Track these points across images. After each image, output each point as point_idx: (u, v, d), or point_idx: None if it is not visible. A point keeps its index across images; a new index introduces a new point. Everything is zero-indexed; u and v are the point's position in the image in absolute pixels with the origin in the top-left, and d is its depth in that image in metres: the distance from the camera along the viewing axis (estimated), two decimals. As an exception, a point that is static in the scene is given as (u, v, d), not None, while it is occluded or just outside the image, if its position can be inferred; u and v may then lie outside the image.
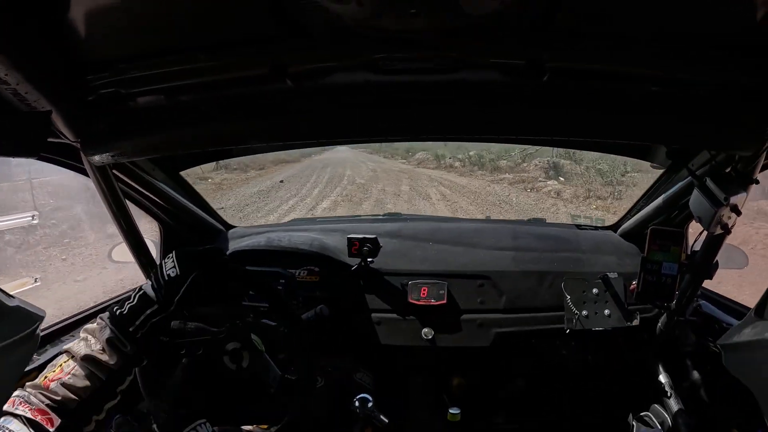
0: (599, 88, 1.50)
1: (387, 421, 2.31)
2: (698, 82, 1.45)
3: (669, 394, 2.51)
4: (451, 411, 2.56)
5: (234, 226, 3.40)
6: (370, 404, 2.31)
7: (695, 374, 2.50)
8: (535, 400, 2.91)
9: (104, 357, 1.66)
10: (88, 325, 1.75)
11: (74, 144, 1.79)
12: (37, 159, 1.82)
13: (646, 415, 2.62)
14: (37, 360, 2.10)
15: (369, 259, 2.74)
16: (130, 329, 1.70)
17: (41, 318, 1.50)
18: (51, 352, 2.18)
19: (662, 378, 2.58)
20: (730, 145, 1.67)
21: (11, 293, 1.55)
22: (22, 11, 1.28)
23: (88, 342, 1.69)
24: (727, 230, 1.93)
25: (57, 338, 2.30)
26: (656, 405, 2.56)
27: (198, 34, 1.45)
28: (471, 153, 31.45)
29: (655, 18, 1.29)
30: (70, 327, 2.41)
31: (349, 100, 1.62)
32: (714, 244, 2.13)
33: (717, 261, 2.19)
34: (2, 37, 1.27)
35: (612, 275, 2.59)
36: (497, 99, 1.56)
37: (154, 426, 1.81)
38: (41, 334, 2.25)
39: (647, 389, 2.63)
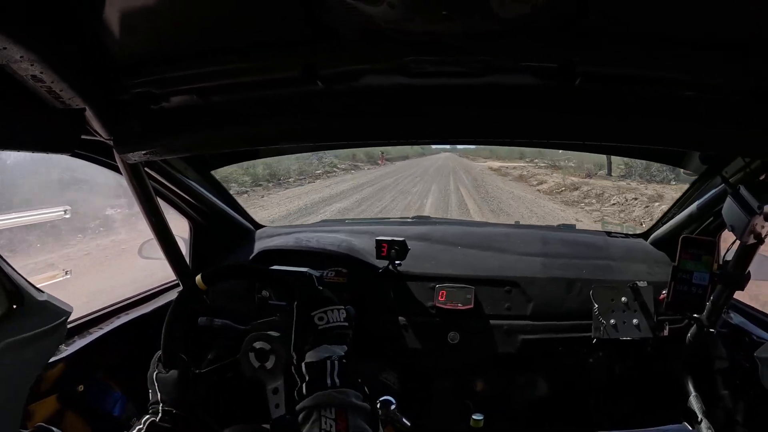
0: (631, 92, 1.47)
1: (409, 424, 2.31)
2: (732, 87, 1.42)
3: (698, 410, 2.46)
4: (474, 417, 2.55)
5: (263, 226, 3.43)
6: (392, 407, 2.30)
7: (725, 390, 2.46)
8: (560, 410, 2.88)
9: None
10: None
11: (107, 142, 1.83)
12: (71, 156, 1.86)
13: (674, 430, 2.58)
14: (65, 350, 2.14)
15: (397, 262, 2.74)
16: None
17: (68, 312, 1.54)
18: (79, 343, 2.22)
19: (691, 393, 2.53)
20: (764, 153, 1.64)
21: (39, 287, 1.59)
22: (57, 10, 1.31)
23: None
24: (760, 240, 1.90)
25: (85, 330, 2.34)
26: (685, 422, 2.51)
27: (230, 36, 1.47)
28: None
29: (690, 21, 1.27)
30: (99, 320, 2.44)
31: (379, 103, 1.62)
32: (747, 253, 2.09)
33: (749, 271, 2.15)
34: (38, 37, 1.29)
35: (642, 284, 2.55)
36: (528, 103, 1.54)
37: None
38: (75, 323, 2.31)
39: (675, 402, 2.59)
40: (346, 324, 1.86)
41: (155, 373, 1.95)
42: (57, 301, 1.54)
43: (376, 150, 41.67)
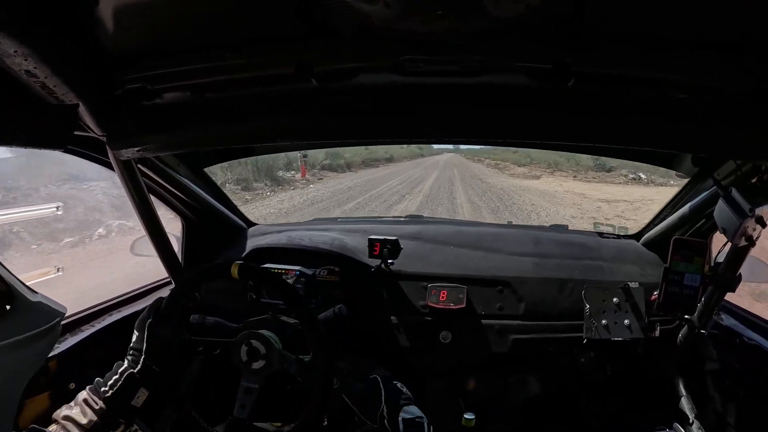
0: (625, 93, 1.48)
1: None
2: (727, 89, 1.43)
3: (689, 412, 2.47)
4: (465, 416, 2.54)
5: (256, 224, 3.43)
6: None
7: (716, 392, 2.47)
8: (552, 409, 2.89)
9: (79, 416, 1.77)
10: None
11: (100, 138, 1.83)
12: (64, 152, 1.85)
13: (664, 430, 2.59)
14: (57, 348, 2.14)
15: (389, 261, 2.74)
16: (103, 389, 1.83)
17: (62, 314, 1.54)
18: (71, 341, 2.21)
19: (682, 394, 2.54)
20: (756, 155, 1.65)
21: (32, 286, 1.59)
22: (52, 5, 1.30)
23: (70, 406, 1.81)
24: (751, 242, 1.91)
25: (77, 327, 2.33)
26: (676, 423, 2.52)
27: (224, 32, 1.47)
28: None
29: (685, 22, 1.27)
30: (91, 317, 2.44)
31: (374, 102, 1.62)
32: (738, 256, 2.10)
33: (740, 273, 2.16)
34: (32, 32, 1.29)
35: (633, 285, 2.55)
36: (522, 103, 1.55)
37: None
38: (67, 321, 2.31)
39: (666, 403, 2.60)
40: None
41: (149, 320, 1.96)
42: (50, 301, 1.54)
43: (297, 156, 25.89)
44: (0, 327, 1.54)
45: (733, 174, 2.01)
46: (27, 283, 1.71)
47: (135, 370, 1.87)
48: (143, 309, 2.50)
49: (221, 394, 2.33)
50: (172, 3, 1.35)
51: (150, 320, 1.95)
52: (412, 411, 1.89)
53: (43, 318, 1.50)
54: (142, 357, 1.89)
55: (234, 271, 1.95)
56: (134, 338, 1.96)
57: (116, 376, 1.86)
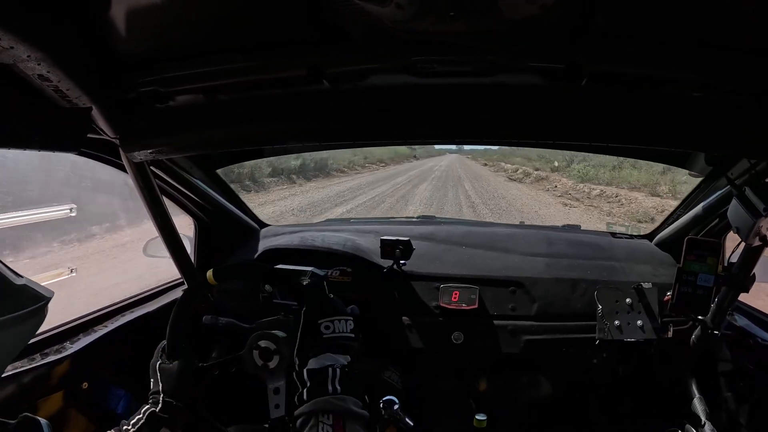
0: (638, 93, 1.47)
1: (412, 423, 2.30)
2: (739, 89, 1.42)
3: (702, 413, 2.45)
4: (477, 417, 2.54)
5: (268, 225, 3.43)
6: (396, 406, 2.30)
7: (729, 393, 2.45)
8: (564, 410, 2.87)
9: None
10: None
11: (113, 140, 1.84)
12: (77, 154, 1.87)
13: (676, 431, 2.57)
14: (71, 348, 2.15)
15: (401, 261, 2.73)
16: (126, 428, 1.83)
17: (48, 298, 1.53)
18: (84, 341, 2.23)
19: (695, 395, 2.52)
20: None
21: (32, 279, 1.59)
22: (63, 10, 1.31)
23: None
24: (765, 242, 1.89)
25: (90, 328, 2.35)
26: (688, 424, 2.51)
27: (236, 35, 1.47)
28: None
29: (696, 23, 1.27)
30: (104, 317, 2.45)
31: (386, 102, 1.63)
32: (752, 256, 2.08)
33: (754, 273, 2.14)
34: (45, 36, 1.30)
35: (646, 285, 2.54)
36: (535, 103, 1.55)
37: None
38: (80, 321, 2.32)
39: (679, 404, 2.58)
40: (353, 336, 1.84)
41: (158, 362, 1.96)
42: (37, 285, 1.54)
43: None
44: None
45: (747, 173, 2.00)
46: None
47: (156, 409, 1.88)
48: (156, 309, 2.53)
49: (236, 400, 2.34)
50: (182, 6, 1.35)
51: (159, 362, 1.96)
52: (321, 361, 1.80)
53: (28, 301, 1.48)
54: (161, 396, 1.90)
55: (210, 277, 1.95)
56: (151, 384, 1.97)
57: (139, 416, 1.88)
